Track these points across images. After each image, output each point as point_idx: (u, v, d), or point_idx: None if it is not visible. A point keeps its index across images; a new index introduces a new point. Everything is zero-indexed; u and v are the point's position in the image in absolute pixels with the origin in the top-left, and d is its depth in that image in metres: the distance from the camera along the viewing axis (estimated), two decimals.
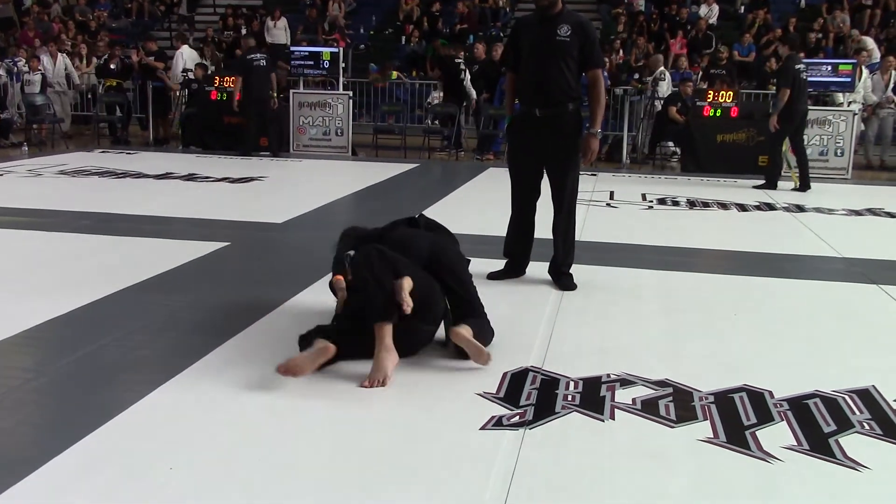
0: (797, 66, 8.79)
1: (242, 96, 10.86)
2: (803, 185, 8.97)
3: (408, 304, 2.99)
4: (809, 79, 10.75)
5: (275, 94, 11.29)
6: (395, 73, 13.75)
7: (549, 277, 4.61)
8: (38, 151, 11.18)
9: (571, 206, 4.57)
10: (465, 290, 3.42)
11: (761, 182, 9.11)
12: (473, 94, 11.95)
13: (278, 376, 3.01)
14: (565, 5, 4.43)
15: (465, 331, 3.18)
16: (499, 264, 4.71)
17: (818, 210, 7.65)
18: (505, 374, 3.14)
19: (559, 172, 4.50)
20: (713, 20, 16.02)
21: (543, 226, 4.67)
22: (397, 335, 3.05)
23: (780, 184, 9.02)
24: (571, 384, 3.09)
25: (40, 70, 12.61)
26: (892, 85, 11.59)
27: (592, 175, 9.65)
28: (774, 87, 9.26)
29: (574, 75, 4.40)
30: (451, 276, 3.39)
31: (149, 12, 19.25)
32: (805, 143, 9.30)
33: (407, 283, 3.04)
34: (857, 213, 7.62)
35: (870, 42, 13.65)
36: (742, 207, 7.74)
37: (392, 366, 3.01)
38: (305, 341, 3.16)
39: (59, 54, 13.45)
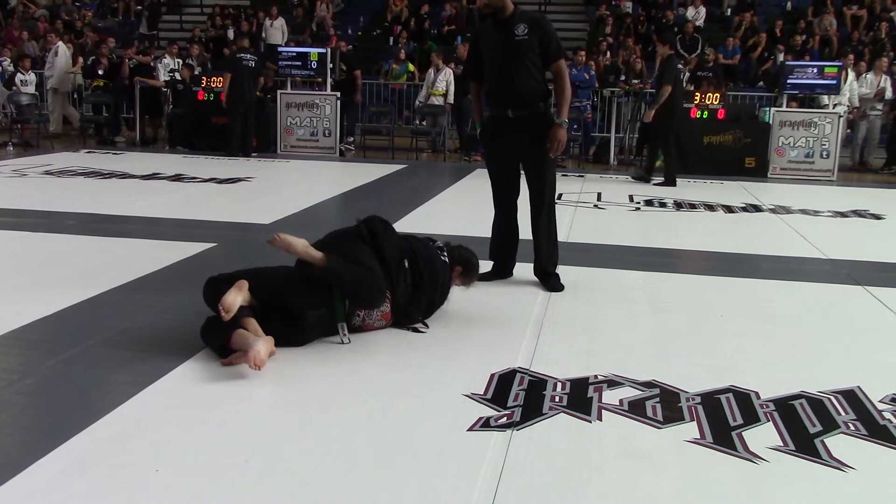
0: (678, 66, 9.26)
1: (228, 94, 10.83)
2: (669, 181, 9.23)
3: (224, 312, 3.19)
4: (795, 81, 10.91)
5: (257, 93, 11.28)
6: (411, 66, 13.74)
7: (536, 279, 4.61)
8: (24, 151, 11.11)
9: (551, 205, 4.58)
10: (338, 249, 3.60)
11: (661, 180, 9.30)
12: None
13: (265, 379, 3.02)
14: (517, 6, 4.44)
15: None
16: (486, 266, 4.71)
17: (804, 212, 7.70)
18: (492, 376, 3.15)
19: (536, 172, 4.52)
20: (700, 22, 16.09)
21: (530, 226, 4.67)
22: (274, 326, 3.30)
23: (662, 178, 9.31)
24: (559, 385, 3.09)
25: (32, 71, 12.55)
26: (882, 86, 11.68)
27: (580, 176, 9.67)
28: (653, 85, 9.61)
29: (540, 72, 4.42)
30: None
31: (135, 12, 19.15)
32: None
33: (230, 297, 3.23)
34: (843, 214, 7.67)
35: None
36: (728, 209, 7.77)
37: (261, 346, 3.09)
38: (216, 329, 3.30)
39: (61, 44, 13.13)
